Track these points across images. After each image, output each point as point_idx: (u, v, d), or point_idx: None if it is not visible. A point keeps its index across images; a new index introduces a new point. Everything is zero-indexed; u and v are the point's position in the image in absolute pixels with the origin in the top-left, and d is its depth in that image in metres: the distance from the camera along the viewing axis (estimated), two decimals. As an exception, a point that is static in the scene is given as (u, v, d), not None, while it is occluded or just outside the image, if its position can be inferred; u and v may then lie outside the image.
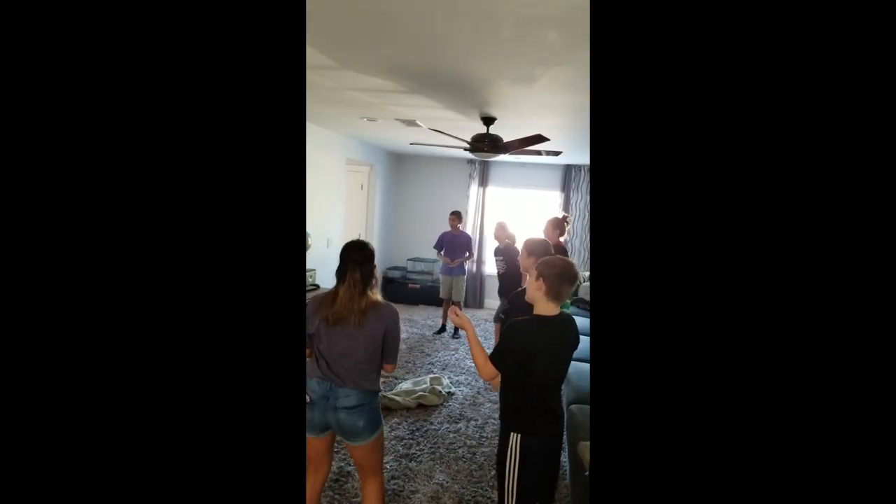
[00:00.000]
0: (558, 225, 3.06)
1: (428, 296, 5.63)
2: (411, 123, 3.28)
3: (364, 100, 2.79)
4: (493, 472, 2.19)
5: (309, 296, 1.55)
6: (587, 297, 4.23)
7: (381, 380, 1.58)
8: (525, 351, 1.34)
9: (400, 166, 6.17)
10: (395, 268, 5.95)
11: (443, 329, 4.60)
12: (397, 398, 2.89)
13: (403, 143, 4.67)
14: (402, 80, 2.25)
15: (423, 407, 2.93)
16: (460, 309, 4.52)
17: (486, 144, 2.94)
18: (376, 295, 1.51)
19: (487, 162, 5.81)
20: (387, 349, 1.51)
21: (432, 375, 3.32)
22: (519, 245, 2.87)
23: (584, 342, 2.36)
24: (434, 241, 4.68)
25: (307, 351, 1.54)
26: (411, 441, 2.51)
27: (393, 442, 2.48)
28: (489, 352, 1.42)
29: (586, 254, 5.38)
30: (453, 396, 3.13)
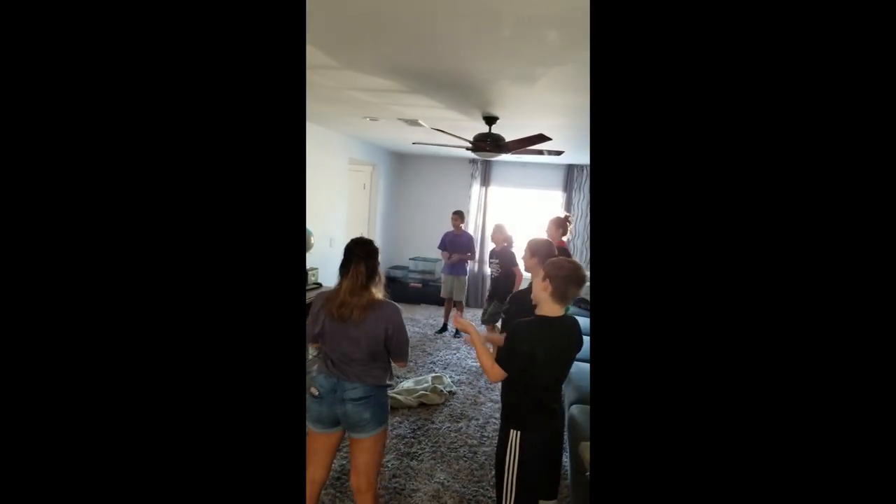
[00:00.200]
0: (560, 225, 3.06)
1: (430, 295, 5.63)
2: (413, 123, 3.29)
3: (366, 100, 2.79)
4: (494, 472, 2.19)
5: (311, 294, 1.56)
6: (588, 297, 4.22)
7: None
8: (530, 352, 1.34)
9: (402, 166, 6.18)
10: (398, 267, 5.96)
11: (444, 328, 4.60)
12: (399, 397, 2.90)
13: (406, 142, 4.67)
14: (404, 79, 2.25)
15: (424, 406, 2.93)
16: (462, 310, 4.54)
17: (488, 144, 2.94)
18: (379, 293, 1.52)
19: (489, 161, 5.80)
20: (393, 347, 1.52)
21: (434, 374, 3.32)
22: (519, 247, 2.86)
23: (587, 342, 2.36)
24: (437, 240, 4.68)
25: (315, 344, 1.55)
26: (413, 440, 2.51)
27: (395, 440, 2.49)
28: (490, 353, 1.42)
29: (588, 254, 5.38)
30: (455, 396, 3.13)
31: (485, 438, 2.60)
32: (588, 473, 1.51)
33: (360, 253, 1.50)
